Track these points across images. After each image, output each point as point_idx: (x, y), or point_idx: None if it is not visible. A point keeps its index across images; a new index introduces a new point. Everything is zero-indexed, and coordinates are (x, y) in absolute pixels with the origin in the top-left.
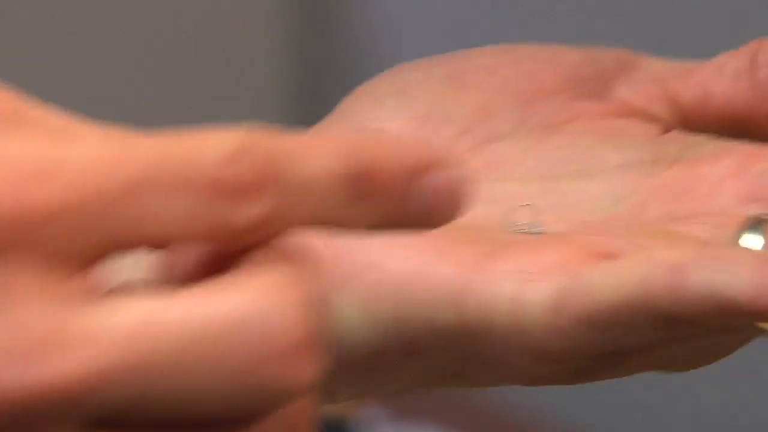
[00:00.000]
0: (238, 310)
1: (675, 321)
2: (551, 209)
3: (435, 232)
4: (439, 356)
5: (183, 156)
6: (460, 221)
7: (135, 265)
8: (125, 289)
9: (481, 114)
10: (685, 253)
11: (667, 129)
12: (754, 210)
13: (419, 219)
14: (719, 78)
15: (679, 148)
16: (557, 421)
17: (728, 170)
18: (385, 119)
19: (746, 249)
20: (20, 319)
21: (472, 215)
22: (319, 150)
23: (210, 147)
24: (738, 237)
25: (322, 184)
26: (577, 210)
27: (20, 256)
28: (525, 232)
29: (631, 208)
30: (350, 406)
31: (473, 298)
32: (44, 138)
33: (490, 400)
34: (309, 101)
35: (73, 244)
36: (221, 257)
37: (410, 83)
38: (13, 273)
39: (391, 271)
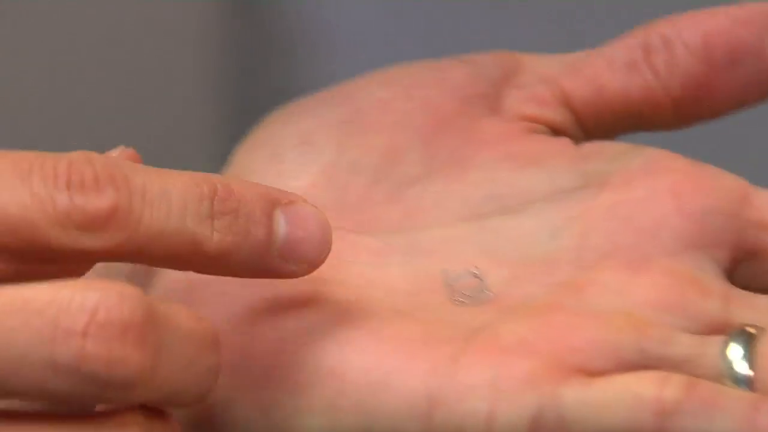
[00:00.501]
0: (41, 293)
1: None
2: (486, 253)
3: (387, 327)
4: None
5: (21, 154)
6: (401, 286)
7: None
8: None
9: (388, 158)
10: (672, 391)
11: (568, 133)
12: (697, 259)
13: (284, 252)
14: (611, 71)
15: (602, 164)
16: None
17: (666, 201)
18: (289, 176)
19: (733, 392)
20: None
21: (410, 275)
22: (176, 173)
23: (58, 155)
24: (723, 353)
25: (180, 196)
26: (514, 249)
27: None
28: (471, 301)
29: (571, 242)
30: None
31: (442, 414)
32: None
33: None
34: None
35: None
36: None
37: (309, 131)
38: None
39: (353, 380)
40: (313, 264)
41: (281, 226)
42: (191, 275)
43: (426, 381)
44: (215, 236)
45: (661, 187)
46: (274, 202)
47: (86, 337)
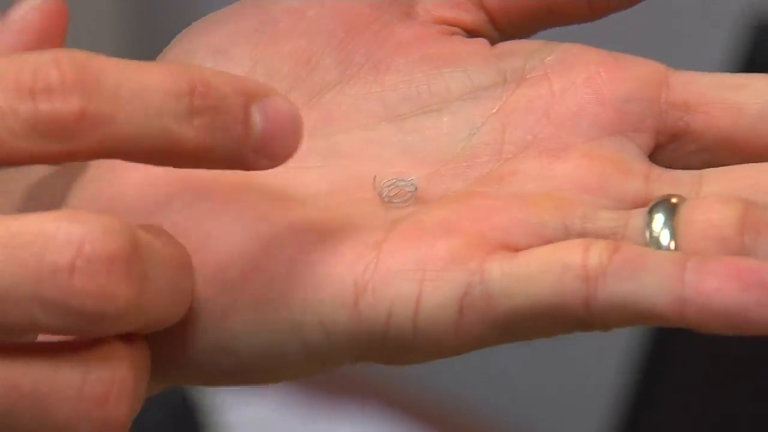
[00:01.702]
0: (26, 226)
1: (587, 326)
2: (406, 152)
3: (308, 223)
4: (336, 356)
5: None
6: (321, 188)
7: None
8: None
9: (303, 65)
10: (597, 255)
11: (483, 35)
12: (617, 142)
13: (258, 146)
14: None
15: (518, 61)
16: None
17: (584, 91)
18: None
19: (658, 252)
20: None
21: (331, 177)
22: (153, 68)
23: (24, 59)
24: (647, 223)
25: (157, 94)
26: (434, 148)
27: None
28: (395, 200)
29: (490, 137)
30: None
31: (369, 300)
32: None
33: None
34: None
35: None
36: None
37: (223, 41)
38: None
39: (278, 275)
40: (285, 158)
41: (257, 121)
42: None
43: (351, 269)
44: (193, 133)
45: (578, 79)
46: (252, 95)
47: (73, 272)
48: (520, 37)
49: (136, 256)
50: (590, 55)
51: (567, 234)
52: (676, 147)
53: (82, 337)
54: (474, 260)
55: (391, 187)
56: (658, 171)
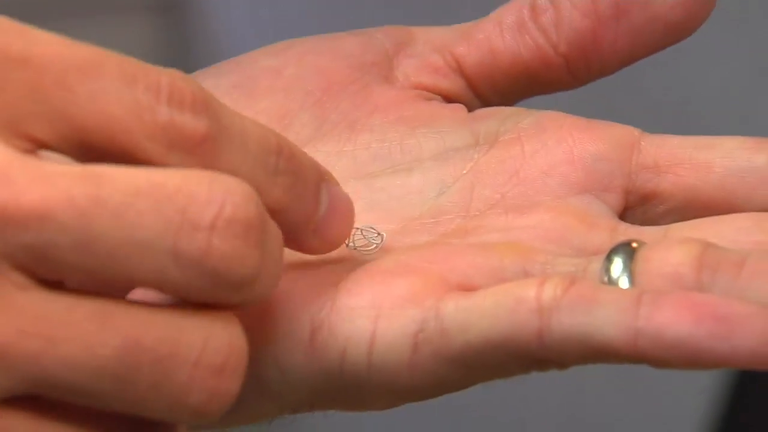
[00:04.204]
0: (170, 179)
1: (543, 362)
2: (374, 209)
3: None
4: (291, 396)
5: (127, 58)
6: None
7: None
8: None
9: (279, 121)
10: (552, 289)
11: (462, 101)
12: (585, 200)
13: (318, 226)
14: (501, 33)
15: (493, 125)
16: None
17: (556, 151)
18: None
19: (613, 288)
20: None
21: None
22: (248, 118)
23: (159, 69)
24: (606, 267)
25: (253, 142)
26: (401, 206)
27: None
28: (363, 248)
29: (459, 196)
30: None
31: (324, 337)
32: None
33: None
34: None
35: (26, 102)
36: None
37: None
38: None
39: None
40: (335, 246)
41: (324, 200)
42: None
43: (307, 306)
44: (275, 192)
45: (550, 140)
46: (322, 175)
47: (213, 231)
48: (502, 105)
49: (265, 225)
50: (565, 120)
51: (527, 278)
52: (646, 209)
53: (203, 300)
54: (430, 298)
55: (358, 237)
56: (624, 226)
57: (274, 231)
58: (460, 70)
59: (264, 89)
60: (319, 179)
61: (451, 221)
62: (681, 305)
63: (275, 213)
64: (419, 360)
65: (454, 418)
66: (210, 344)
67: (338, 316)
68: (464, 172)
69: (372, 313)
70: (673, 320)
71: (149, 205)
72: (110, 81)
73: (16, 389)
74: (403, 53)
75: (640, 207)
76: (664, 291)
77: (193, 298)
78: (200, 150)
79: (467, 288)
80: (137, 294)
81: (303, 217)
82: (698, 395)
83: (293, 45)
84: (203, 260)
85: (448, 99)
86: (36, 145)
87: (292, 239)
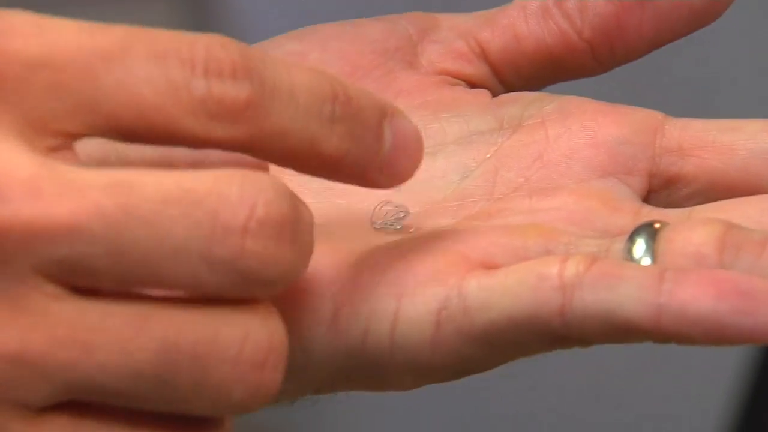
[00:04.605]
0: (200, 182)
1: (566, 339)
2: (398, 192)
3: None
4: (314, 374)
5: (157, 34)
6: (321, 221)
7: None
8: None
9: None
10: (574, 266)
11: (486, 87)
12: (608, 183)
13: (384, 163)
14: (525, 19)
15: (517, 109)
16: None
17: (579, 136)
18: None
19: (636, 265)
20: None
21: (329, 213)
22: (299, 67)
23: (194, 37)
24: (629, 247)
25: (304, 95)
26: (425, 190)
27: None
28: (388, 227)
29: (482, 180)
30: None
31: (347, 315)
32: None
33: None
34: None
35: (50, 100)
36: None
37: None
38: None
39: None
40: (404, 179)
41: (388, 138)
42: None
43: (330, 285)
44: (333, 140)
45: (574, 125)
46: (384, 111)
47: (246, 234)
48: (525, 91)
49: (299, 215)
50: (589, 105)
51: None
52: (669, 192)
53: (236, 297)
54: (453, 277)
55: (383, 215)
56: (647, 209)
57: (307, 217)
58: (484, 55)
59: None
60: (381, 117)
61: (474, 204)
62: (704, 281)
63: (337, 159)
64: (442, 338)
65: (459, 417)
66: (250, 340)
67: (361, 295)
68: (488, 156)
69: (395, 291)
70: (696, 296)
71: (180, 212)
72: (138, 63)
73: (57, 397)
74: (428, 39)
75: (664, 190)
76: (687, 268)
77: (226, 297)
78: (245, 117)
79: (490, 267)
80: None
81: (366, 157)
82: (717, 391)
83: (317, 30)
84: (237, 263)
85: (472, 85)
86: (70, 139)
87: (359, 178)
